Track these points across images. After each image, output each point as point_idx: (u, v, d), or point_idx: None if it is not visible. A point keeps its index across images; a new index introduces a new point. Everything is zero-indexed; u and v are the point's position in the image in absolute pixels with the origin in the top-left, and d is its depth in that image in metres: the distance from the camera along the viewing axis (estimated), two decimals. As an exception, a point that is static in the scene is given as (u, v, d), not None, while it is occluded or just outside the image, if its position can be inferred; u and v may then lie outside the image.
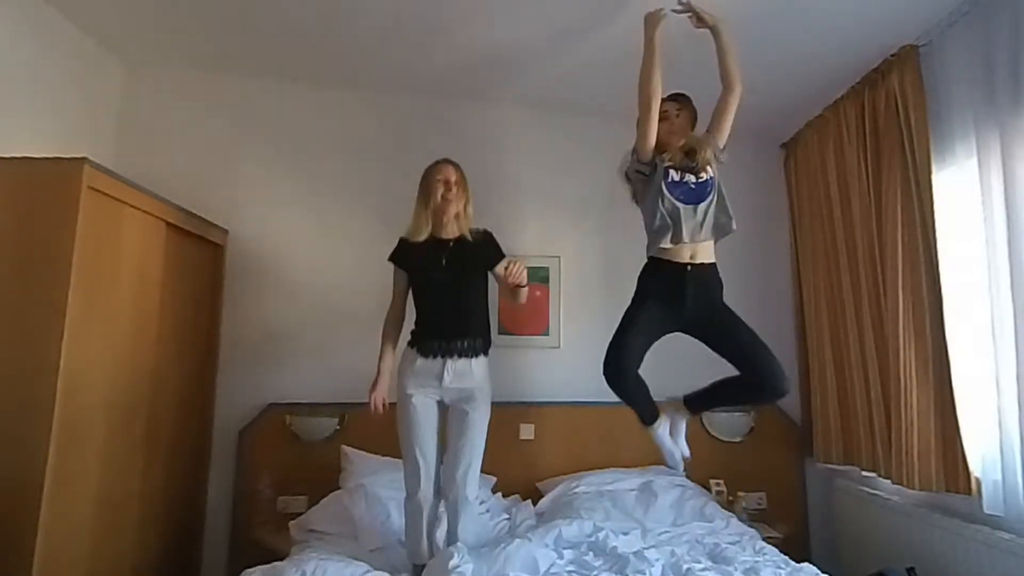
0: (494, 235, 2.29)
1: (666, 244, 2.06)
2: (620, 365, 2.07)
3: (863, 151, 2.56)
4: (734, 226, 2.12)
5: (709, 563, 2.02)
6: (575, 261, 3.09)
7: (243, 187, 2.90)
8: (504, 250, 2.31)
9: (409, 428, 2.11)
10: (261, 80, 2.95)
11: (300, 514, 2.46)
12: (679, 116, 2.19)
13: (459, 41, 2.59)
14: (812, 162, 2.96)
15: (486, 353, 2.20)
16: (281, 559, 2.09)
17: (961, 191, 2.20)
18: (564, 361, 3.03)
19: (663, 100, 2.16)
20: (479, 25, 2.45)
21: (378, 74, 2.90)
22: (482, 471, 2.68)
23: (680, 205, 2.08)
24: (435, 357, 2.13)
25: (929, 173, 2.20)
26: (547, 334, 3.03)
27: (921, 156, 2.23)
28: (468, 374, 2.13)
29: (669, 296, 2.09)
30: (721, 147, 2.18)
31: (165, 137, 2.85)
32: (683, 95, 2.22)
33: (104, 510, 2.04)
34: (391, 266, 2.28)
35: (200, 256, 2.68)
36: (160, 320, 2.37)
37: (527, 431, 2.87)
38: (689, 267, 2.07)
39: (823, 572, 1.93)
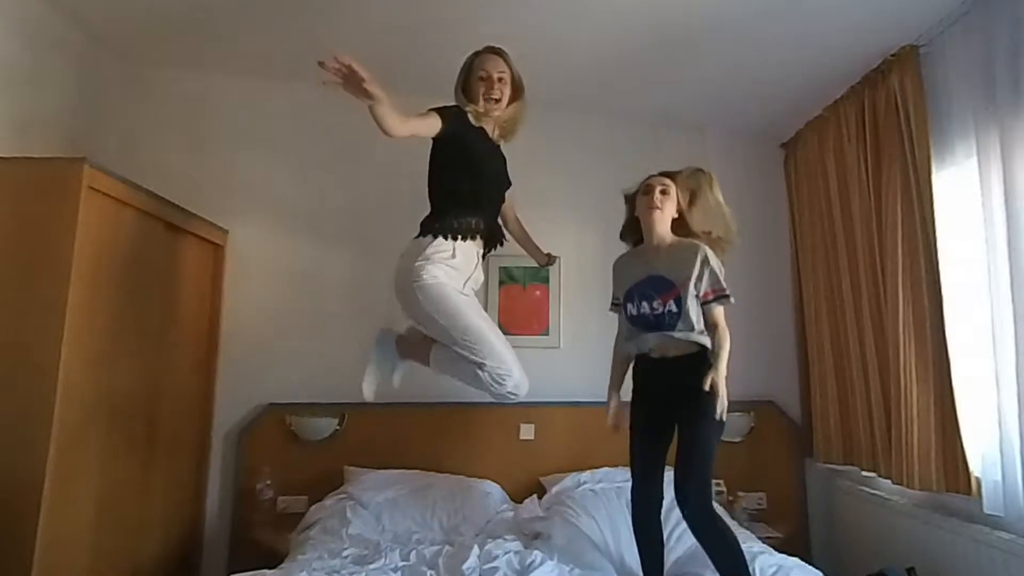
0: None
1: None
2: (633, 512, 2.04)
3: (863, 151, 2.56)
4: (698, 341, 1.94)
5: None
6: (575, 261, 3.09)
7: (243, 187, 2.90)
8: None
9: (460, 303, 1.85)
10: (261, 80, 2.95)
11: (300, 514, 2.46)
12: (663, 194, 2.03)
13: (460, 41, 2.59)
14: (812, 162, 2.96)
15: None
16: (281, 559, 2.10)
17: (961, 191, 2.20)
18: (564, 361, 3.02)
19: (650, 176, 2.09)
20: (478, 25, 2.45)
21: (380, 74, 2.89)
22: (483, 473, 2.70)
23: (638, 331, 2.04)
24: (471, 239, 1.94)
25: (929, 173, 2.20)
26: (547, 334, 3.03)
27: (921, 156, 2.23)
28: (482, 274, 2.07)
29: (643, 391, 2.08)
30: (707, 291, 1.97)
31: (165, 137, 2.85)
32: (674, 173, 2.10)
33: (104, 510, 2.04)
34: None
35: (200, 256, 2.68)
36: (160, 320, 2.37)
37: (527, 431, 2.87)
38: (657, 359, 2.01)
39: (822, 573, 1.93)
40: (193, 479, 2.65)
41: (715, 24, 2.36)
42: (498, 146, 2.11)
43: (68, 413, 1.82)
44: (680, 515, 1.91)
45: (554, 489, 2.63)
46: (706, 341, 1.94)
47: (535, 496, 2.66)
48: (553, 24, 2.41)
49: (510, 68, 2.03)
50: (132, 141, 2.80)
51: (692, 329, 1.93)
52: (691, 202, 2.07)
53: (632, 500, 2.06)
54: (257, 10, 2.38)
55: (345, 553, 2.03)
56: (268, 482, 2.58)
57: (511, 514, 2.48)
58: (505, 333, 2.90)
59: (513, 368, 1.86)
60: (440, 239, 1.89)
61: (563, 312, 3.05)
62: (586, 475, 2.68)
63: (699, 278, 1.96)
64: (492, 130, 2.09)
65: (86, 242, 1.88)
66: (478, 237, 1.97)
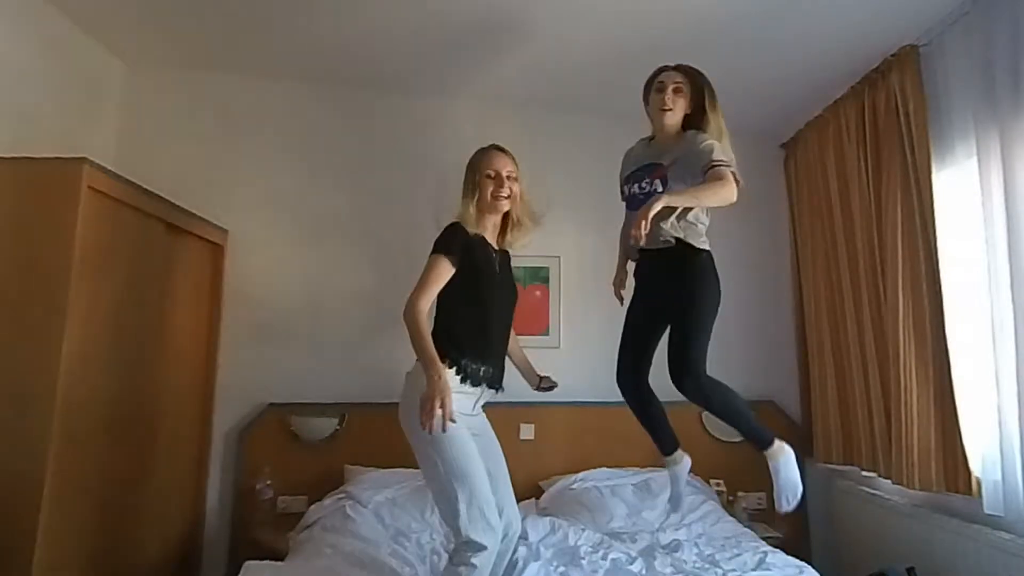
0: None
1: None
2: (618, 380, 2.11)
3: (863, 151, 2.56)
4: (672, 235, 1.91)
5: (707, 564, 2.02)
6: (575, 261, 3.09)
7: (243, 187, 2.90)
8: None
9: (470, 459, 1.69)
10: (261, 80, 2.95)
11: (300, 514, 2.46)
12: (676, 92, 1.98)
13: (461, 42, 2.59)
14: (812, 162, 2.96)
15: None
16: (281, 559, 2.10)
17: (961, 191, 2.20)
18: (564, 361, 3.01)
19: (662, 67, 2.03)
20: (481, 26, 2.45)
21: (380, 74, 2.91)
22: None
23: (630, 213, 2.10)
24: (479, 386, 1.82)
25: (929, 173, 2.20)
26: (547, 334, 3.03)
27: (921, 156, 2.23)
28: (487, 401, 1.93)
29: (640, 285, 2.12)
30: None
31: (165, 137, 2.85)
32: (690, 67, 2.01)
33: (104, 510, 2.04)
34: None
35: (200, 256, 2.68)
36: (160, 320, 2.37)
37: (527, 431, 2.87)
38: (649, 251, 2.03)
39: (822, 573, 1.93)
40: (193, 479, 2.64)
41: (715, 24, 2.36)
42: (502, 257, 2.01)
43: (68, 413, 1.82)
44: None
45: (551, 490, 2.64)
46: (682, 233, 1.93)
47: (532, 499, 2.66)
48: (554, 24, 2.42)
49: (517, 166, 1.99)
50: (132, 141, 2.80)
51: (675, 215, 1.90)
52: (712, 106, 1.98)
53: (617, 373, 2.11)
54: (257, 10, 2.38)
55: (347, 550, 2.03)
56: (268, 482, 2.58)
57: None
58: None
59: (485, 542, 1.64)
60: (450, 372, 1.73)
61: (563, 312, 3.05)
62: (584, 475, 2.69)
63: (691, 155, 1.90)
64: (494, 237, 1.99)
65: (86, 242, 1.88)
66: (484, 385, 1.85)
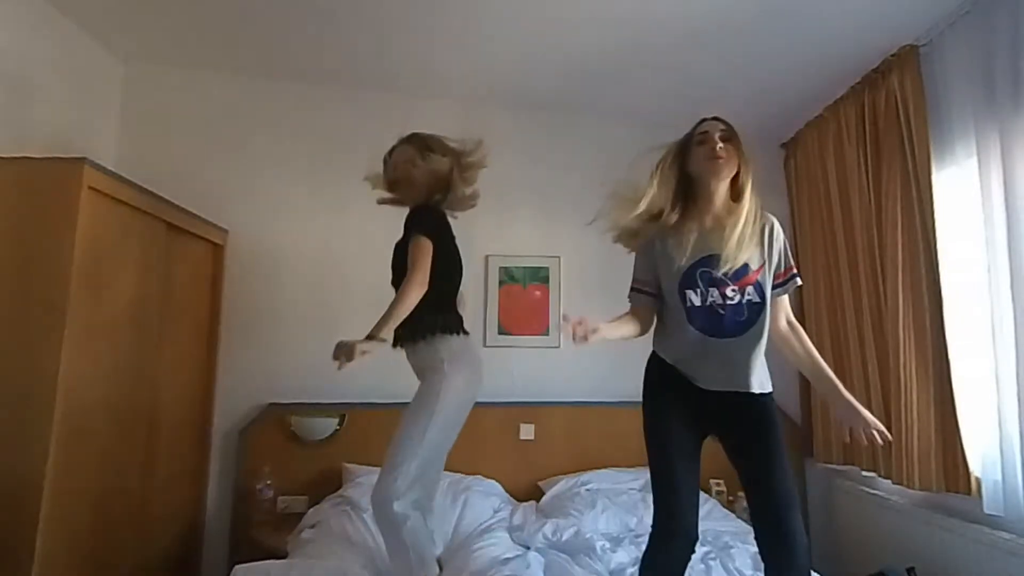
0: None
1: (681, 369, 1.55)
2: (670, 527, 1.49)
3: (863, 151, 2.56)
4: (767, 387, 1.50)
5: (709, 561, 2.02)
6: (575, 261, 3.09)
7: (243, 187, 2.90)
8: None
9: (449, 430, 1.87)
10: (261, 79, 2.95)
11: (300, 514, 2.46)
12: (725, 145, 1.53)
13: (459, 41, 2.59)
14: (812, 162, 2.96)
15: None
16: (281, 559, 2.09)
17: (961, 191, 2.19)
18: (564, 361, 3.02)
19: (703, 120, 1.62)
20: (479, 26, 2.45)
21: (379, 74, 2.91)
22: (483, 473, 2.68)
23: (697, 334, 1.50)
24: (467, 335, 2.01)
25: (929, 173, 2.20)
26: (547, 334, 3.03)
27: (921, 156, 2.23)
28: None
29: (677, 396, 1.58)
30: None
31: (165, 137, 2.85)
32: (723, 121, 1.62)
33: (104, 510, 2.04)
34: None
35: (200, 256, 2.68)
36: (160, 320, 2.37)
37: (527, 431, 2.87)
38: (712, 392, 1.52)
39: (822, 573, 1.93)
40: (193, 479, 2.64)
41: (716, 24, 2.35)
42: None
43: (68, 413, 1.82)
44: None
45: (552, 492, 2.63)
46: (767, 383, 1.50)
47: (533, 502, 2.66)
48: (554, 24, 2.41)
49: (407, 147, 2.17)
50: (132, 141, 2.80)
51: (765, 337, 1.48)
52: (747, 167, 1.58)
53: (667, 536, 1.50)
54: (256, 10, 2.38)
55: (345, 554, 2.03)
56: (268, 482, 2.58)
57: (508, 512, 2.50)
58: (505, 333, 2.97)
59: (398, 495, 1.79)
60: (456, 336, 1.93)
61: (563, 312, 3.05)
62: (586, 476, 2.69)
63: (777, 256, 1.54)
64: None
65: (86, 242, 1.88)
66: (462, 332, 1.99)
